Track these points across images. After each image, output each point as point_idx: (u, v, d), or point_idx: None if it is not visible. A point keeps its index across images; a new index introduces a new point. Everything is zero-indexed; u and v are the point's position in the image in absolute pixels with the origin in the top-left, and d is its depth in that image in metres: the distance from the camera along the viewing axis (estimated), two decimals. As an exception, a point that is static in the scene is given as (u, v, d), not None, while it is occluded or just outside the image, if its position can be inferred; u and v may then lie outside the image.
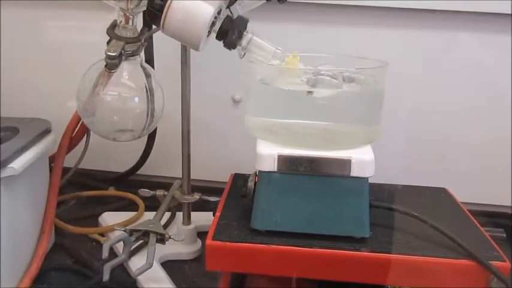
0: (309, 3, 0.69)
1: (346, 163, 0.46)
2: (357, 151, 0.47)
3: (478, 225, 0.53)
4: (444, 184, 0.62)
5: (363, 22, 0.70)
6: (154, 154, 0.77)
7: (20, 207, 0.56)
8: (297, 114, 0.49)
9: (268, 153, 0.47)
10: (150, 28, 0.56)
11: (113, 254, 0.58)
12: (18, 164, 0.52)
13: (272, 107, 0.50)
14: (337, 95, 0.48)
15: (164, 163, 0.79)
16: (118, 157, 0.78)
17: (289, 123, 0.49)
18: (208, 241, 0.48)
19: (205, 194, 0.65)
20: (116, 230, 0.58)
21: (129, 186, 0.79)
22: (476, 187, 0.73)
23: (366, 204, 0.47)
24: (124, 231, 0.55)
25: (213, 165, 0.77)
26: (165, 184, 0.80)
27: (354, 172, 0.46)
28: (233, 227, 0.50)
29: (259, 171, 0.48)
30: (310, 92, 0.47)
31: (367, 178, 0.46)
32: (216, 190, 0.77)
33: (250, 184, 0.50)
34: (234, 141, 0.78)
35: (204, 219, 0.67)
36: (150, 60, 0.67)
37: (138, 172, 0.79)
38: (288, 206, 0.48)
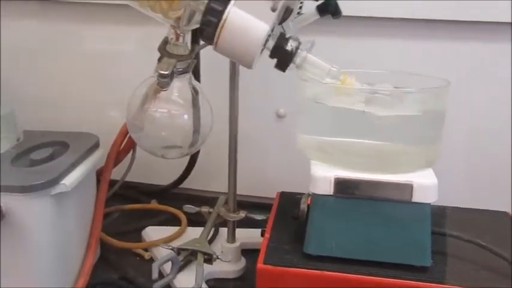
0: (360, 16, 0.67)
1: (407, 188, 0.43)
2: (418, 175, 0.44)
3: (546, 254, 0.49)
4: (505, 207, 0.58)
5: (416, 35, 0.68)
6: (197, 168, 0.77)
7: (69, 223, 0.56)
8: (354, 133, 0.47)
9: (323, 176, 0.45)
10: (198, 44, 0.56)
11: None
12: (70, 180, 0.52)
13: (326, 126, 0.48)
14: (397, 114, 0.45)
15: (207, 177, 0.79)
16: (161, 170, 0.77)
17: (344, 143, 0.47)
18: (260, 264, 0.47)
19: (250, 211, 0.63)
20: (161, 247, 0.57)
21: (171, 199, 0.78)
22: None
23: (427, 231, 0.44)
24: (171, 249, 0.54)
25: (255, 181, 0.76)
26: (206, 198, 0.79)
27: (416, 197, 0.43)
28: (284, 251, 0.49)
29: (314, 194, 0.46)
30: (368, 112, 0.45)
31: (429, 204, 0.44)
32: (258, 206, 0.77)
33: (303, 206, 0.49)
34: (277, 157, 0.77)
35: (248, 236, 0.66)
36: (196, 75, 0.66)
37: (181, 186, 0.78)
38: (343, 231, 0.46)
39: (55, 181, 0.50)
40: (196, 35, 0.55)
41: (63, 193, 0.51)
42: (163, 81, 0.47)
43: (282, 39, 0.46)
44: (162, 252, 0.63)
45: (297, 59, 0.46)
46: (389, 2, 0.65)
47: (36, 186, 0.48)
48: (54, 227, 0.52)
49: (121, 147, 0.65)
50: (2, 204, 0.48)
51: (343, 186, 0.45)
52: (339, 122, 0.47)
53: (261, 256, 0.48)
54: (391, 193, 0.44)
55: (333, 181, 0.45)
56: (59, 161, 0.53)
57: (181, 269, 0.59)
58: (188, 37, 0.54)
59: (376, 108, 0.46)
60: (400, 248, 0.45)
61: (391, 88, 0.46)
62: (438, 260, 0.46)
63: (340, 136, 0.47)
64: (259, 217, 0.61)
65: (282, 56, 0.46)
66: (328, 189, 0.45)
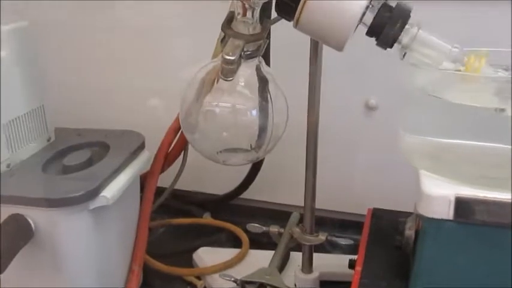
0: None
1: None
2: None
3: None
4: None
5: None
6: (262, 174, 0.75)
7: (109, 242, 0.55)
8: (482, 135, 0.43)
9: (440, 194, 0.41)
10: (270, 19, 0.54)
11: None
12: (111, 191, 0.51)
13: (444, 125, 0.45)
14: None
15: (274, 186, 0.77)
16: (217, 176, 0.77)
17: (468, 148, 0.44)
18: (351, 309, 0.44)
19: (332, 231, 0.61)
20: (221, 278, 0.56)
21: (228, 213, 0.78)
22: None
23: None
24: (234, 282, 0.53)
25: (338, 192, 0.73)
26: (272, 212, 0.78)
27: None
28: (382, 289, 0.46)
29: (426, 218, 0.43)
30: (502, 109, 0.42)
31: None
32: (341, 223, 0.75)
33: (409, 233, 0.46)
34: (366, 162, 0.74)
35: (327, 263, 0.64)
36: (266, 58, 0.65)
37: (241, 196, 0.78)
38: (464, 267, 0.42)
39: (94, 193, 0.49)
40: (266, 8, 0.54)
41: (103, 207, 0.51)
42: (228, 69, 0.46)
43: (385, 11, 0.43)
44: (220, 283, 0.63)
45: (404, 38, 0.44)
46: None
47: (72, 200, 0.48)
48: (91, 247, 0.52)
49: (170, 149, 0.65)
50: (30, 221, 0.49)
51: (467, 208, 0.41)
52: (462, 120, 0.44)
53: (352, 298, 0.45)
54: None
55: (453, 201, 0.41)
56: (98, 167, 0.53)
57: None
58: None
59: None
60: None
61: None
62: None
63: (462, 138, 0.44)
64: (344, 241, 0.59)
65: (384, 35, 0.43)
66: (446, 211, 0.41)
